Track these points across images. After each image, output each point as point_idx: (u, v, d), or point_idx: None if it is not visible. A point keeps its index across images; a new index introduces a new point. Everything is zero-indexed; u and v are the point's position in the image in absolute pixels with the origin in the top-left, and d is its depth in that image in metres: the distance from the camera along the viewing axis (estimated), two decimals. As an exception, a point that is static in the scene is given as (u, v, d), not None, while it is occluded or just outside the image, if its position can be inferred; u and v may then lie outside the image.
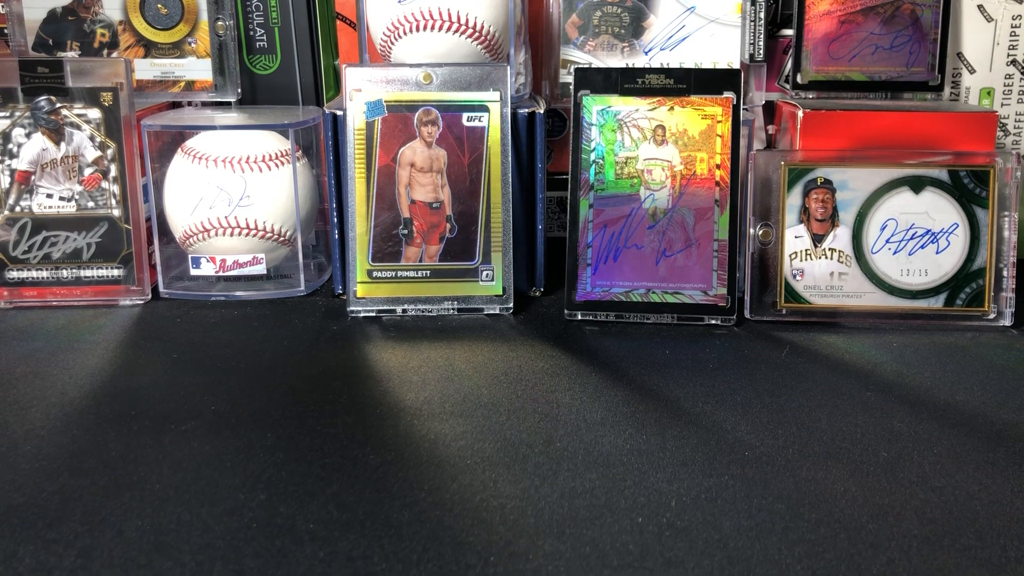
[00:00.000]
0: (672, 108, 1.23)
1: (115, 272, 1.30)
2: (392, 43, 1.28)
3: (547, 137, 1.27)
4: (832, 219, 1.25)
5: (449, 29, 1.25)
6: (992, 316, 1.24)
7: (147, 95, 1.42)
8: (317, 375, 1.07)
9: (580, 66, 1.37)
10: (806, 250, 1.25)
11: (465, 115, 1.24)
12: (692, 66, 1.27)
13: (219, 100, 1.43)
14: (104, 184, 1.29)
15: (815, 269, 1.25)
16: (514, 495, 0.82)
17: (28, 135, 1.27)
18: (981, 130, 1.27)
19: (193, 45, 1.41)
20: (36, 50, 1.37)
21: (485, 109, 1.24)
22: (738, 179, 1.23)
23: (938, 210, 1.24)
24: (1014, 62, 1.39)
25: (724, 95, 1.24)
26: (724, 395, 1.03)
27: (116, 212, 1.29)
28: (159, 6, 1.39)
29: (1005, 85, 1.39)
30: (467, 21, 1.25)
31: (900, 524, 0.78)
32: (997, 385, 1.06)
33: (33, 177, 1.28)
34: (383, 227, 1.24)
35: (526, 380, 1.05)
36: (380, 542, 0.75)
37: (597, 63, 1.39)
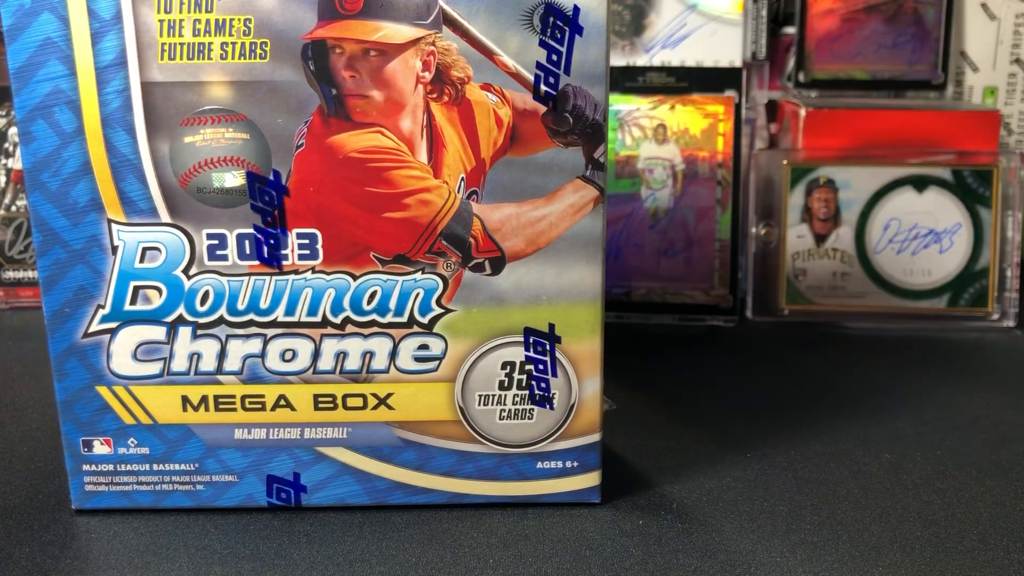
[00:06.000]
0: (673, 107, 1.21)
1: (114, 272, 1.31)
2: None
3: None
4: (834, 219, 1.22)
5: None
6: (995, 317, 1.21)
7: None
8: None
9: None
10: (808, 250, 1.23)
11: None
12: (693, 64, 1.23)
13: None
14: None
15: (817, 269, 1.22)
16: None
17: (27, 134, 1.28)
18: (984, 129, 1.23)
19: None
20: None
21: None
22: (740, 178, 1.21)
23: (941, 210, 1.21)
24: (1017, 60, 1.34)
25: (726, 93, 1.22)
26: (725, 395, 1.02)
27: (116, 211, 1.30)
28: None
29: (1008, 84, 1.36)
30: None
31: (903, 526, 0.76)
32: (1000, 386, 1.03)
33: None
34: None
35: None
36: (379, 543, 0.74)
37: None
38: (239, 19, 0.67)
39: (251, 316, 0.72)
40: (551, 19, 0.67)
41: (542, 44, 0.67)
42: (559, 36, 0.67)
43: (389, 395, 0.74)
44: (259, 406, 0.74)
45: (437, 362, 0.74)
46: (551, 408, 0.74)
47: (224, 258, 0.71)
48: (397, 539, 0.73)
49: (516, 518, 0.75)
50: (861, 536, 0.74)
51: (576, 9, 0.66)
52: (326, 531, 0.74)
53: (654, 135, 1.22)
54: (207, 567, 0.70)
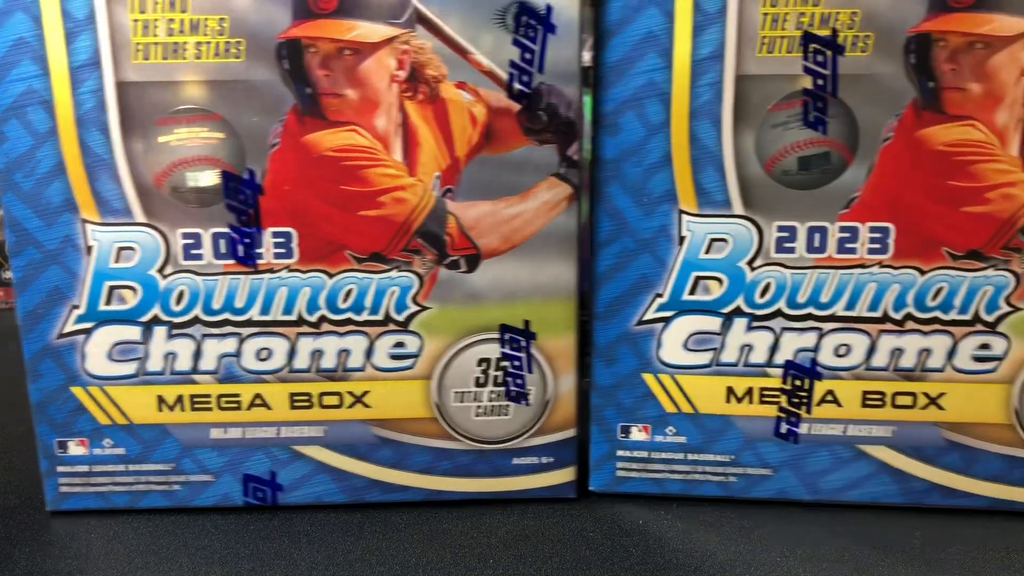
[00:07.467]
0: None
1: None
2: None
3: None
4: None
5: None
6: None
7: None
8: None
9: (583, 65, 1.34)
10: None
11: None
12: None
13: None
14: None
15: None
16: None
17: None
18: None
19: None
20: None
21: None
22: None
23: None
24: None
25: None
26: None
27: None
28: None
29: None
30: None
31: (903, 526, 0.76)
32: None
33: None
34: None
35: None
36: (379, 543, 0.74)
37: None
38: (213, 19, 0.67)
39: (226, 315, 0.72)
40: (524, 18, 0.67)
41: (515, 43, 0.68)
42: (532, 35, 0.67)
43: (365, 393, 0.74)
44: (235, 405, 0.74)
45: (413, 359, 0.74)
46: (527, 404, 0.74)
47: (199, 257, 0.71)
48: (397, 539, 0.73)
49: (516, 517, 0.76)
50: (861, 536, 0.73)
51: (549, 8, 0.67)
52: (326, 531, 0.74)
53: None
54: (207, 567, 0.70)
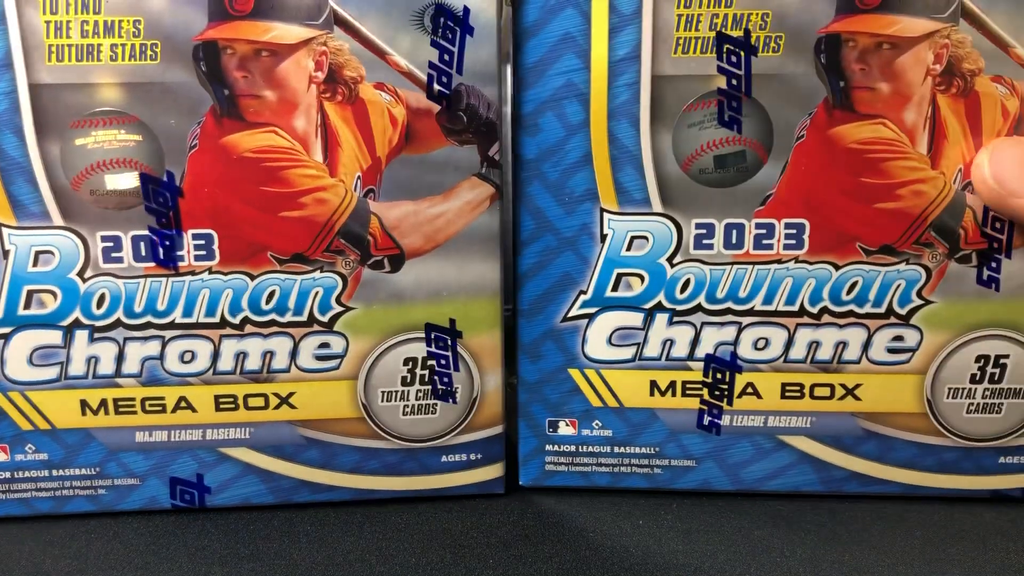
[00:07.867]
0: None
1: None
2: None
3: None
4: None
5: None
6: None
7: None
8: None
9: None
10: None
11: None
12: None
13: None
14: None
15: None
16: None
17: None
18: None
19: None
20: None
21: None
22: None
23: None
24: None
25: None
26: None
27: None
28: None
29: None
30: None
31: (902, 526, 0.76)
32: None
33: None
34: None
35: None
36: (379, 543, 0.74)
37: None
38: (128, 20, 0.66)
39: (148, 318, 0.71)
40: (442, 19, 0.67)
41: (434, 44, 0.67)
42: (450, 36, 0.67)
43: (291, 394, 0.74)
44: (159, 408, 0.73)
45: (339, 360, 0.73)
46: (454, 402, 0.74)
47: (119, 260, 0.70)
48: (397, 539, 0.73)
49: (516, 517, 0.76)
50: (861, 536, 0.74)
51: (466, 10, 0.66)
52: (326, 531, 0.74)
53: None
54: (207, 567, 0.70)
